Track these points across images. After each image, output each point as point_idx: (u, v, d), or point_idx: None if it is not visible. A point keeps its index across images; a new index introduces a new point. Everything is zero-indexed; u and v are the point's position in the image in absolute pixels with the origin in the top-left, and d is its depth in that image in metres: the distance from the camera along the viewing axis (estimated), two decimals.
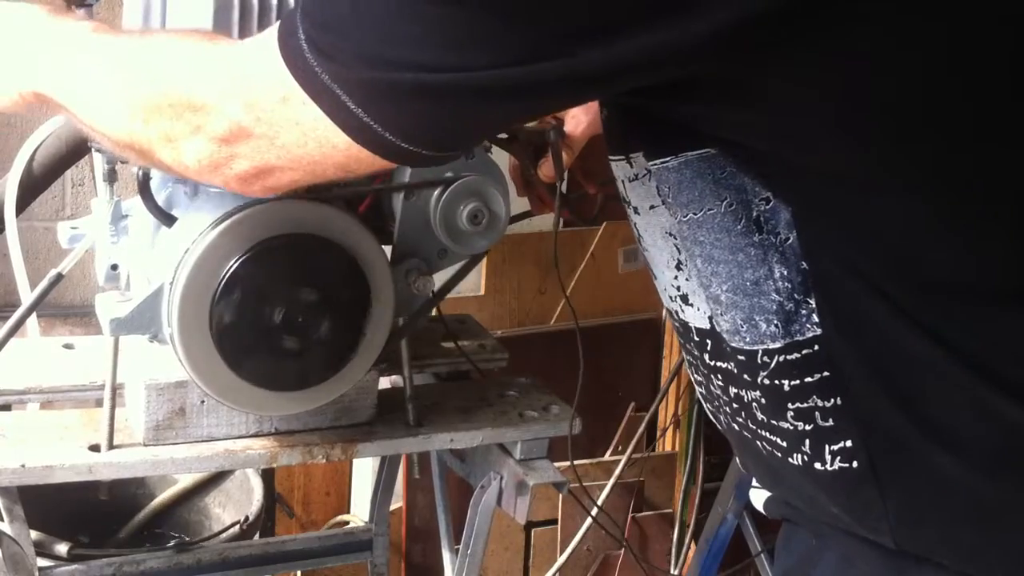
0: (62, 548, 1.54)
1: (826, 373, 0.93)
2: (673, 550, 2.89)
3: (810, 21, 0.77)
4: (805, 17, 0.77)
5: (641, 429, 2.76)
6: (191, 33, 0.99)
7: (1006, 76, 0.83)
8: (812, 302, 0.91)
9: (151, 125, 0.94)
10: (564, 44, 0.78)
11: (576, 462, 1.54)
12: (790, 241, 0.90)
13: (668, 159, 0.92)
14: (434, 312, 1.44)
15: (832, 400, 0.93)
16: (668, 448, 2.92)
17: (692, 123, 0.88)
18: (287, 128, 0.88)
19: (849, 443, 0.94)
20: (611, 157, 1.01)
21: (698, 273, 0.96)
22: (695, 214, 0.93)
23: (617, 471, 2.72)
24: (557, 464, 1.40)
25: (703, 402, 1.10)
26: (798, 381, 0.94)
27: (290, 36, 0.86)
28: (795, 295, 0.91)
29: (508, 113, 0.90)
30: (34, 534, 1.41)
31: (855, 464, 0.94)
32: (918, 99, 0.82)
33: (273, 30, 0.88)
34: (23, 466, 1.19)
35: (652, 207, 0.98)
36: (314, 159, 0.89)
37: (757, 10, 0.76)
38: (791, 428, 0.96)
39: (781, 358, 0.94)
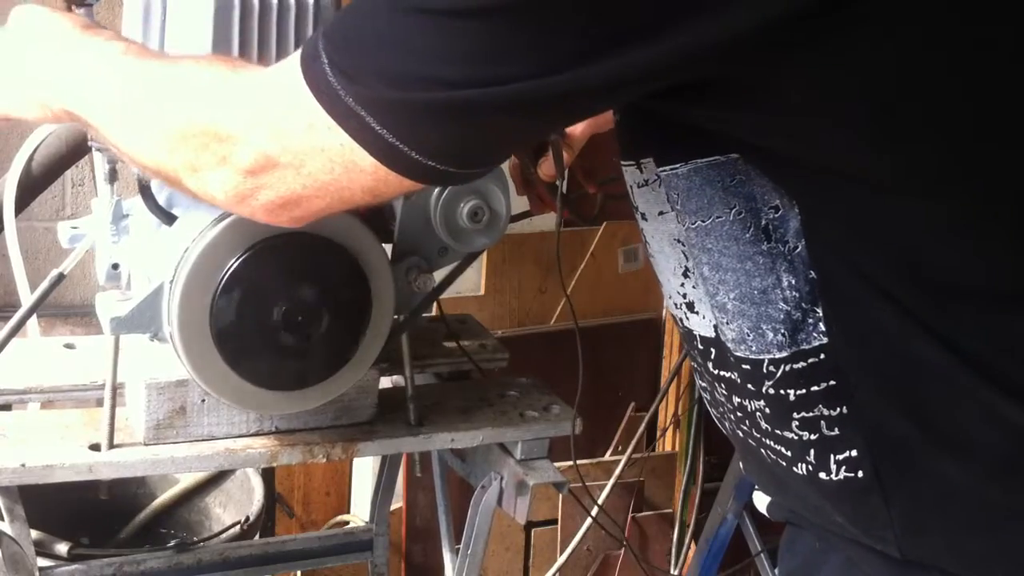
0: (62, 548, 1.54)
1: (832, 382, 0.93)
2: (673, 550, 2.89)
3: (818, 22, 0.77)
4: (814, 18, 0.77)
5: (641, 429, 2.76)
6: (215, 60, 0.99)
7: (1006, 76, 0.83)
8: (819, 311, 0.91)
9: (176, 155, 0.93)
10: (591, 52, 0.78)
11: (576, 462, 1.54)
12: (798, 250, 0.90)
13: (678, 165, 0.92)
14: (435, 312, 1.44)
15: (838, 409, 0.93)
16: (668, 448, 2.92)
17: (703, 126, 0.88)
18: (313, 155, 0.87)
19: (854, 452, 0.93)
20: (622, 162, 1.00)
21: (704, 281, 0.96)
22: (703, 221, 0.93)
23: (617, 471, 2.72)
24: (558, 464, 1.40)
25: (708, 407, 1.10)
26: (804, 390, 0.94)
27: (313, 60, 0.85)
28: (803, 304, 0.91)
29: (535, 125, 0.89)
30: (34, 534, 1.41)
31: (860, 474, 0.94)
32: (918, 99, 0.82)
33: (296, 56, 0.88)
34: (23, 465, 1.18)
35: (661, 213, 0.98)
36: (341, 185, 0.88)
37: (777, 12, 0.76)
38: (796, 438, 0.96)
39: (787, 367, 0.94)
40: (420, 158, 0.85)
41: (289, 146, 0.88)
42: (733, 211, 0.91)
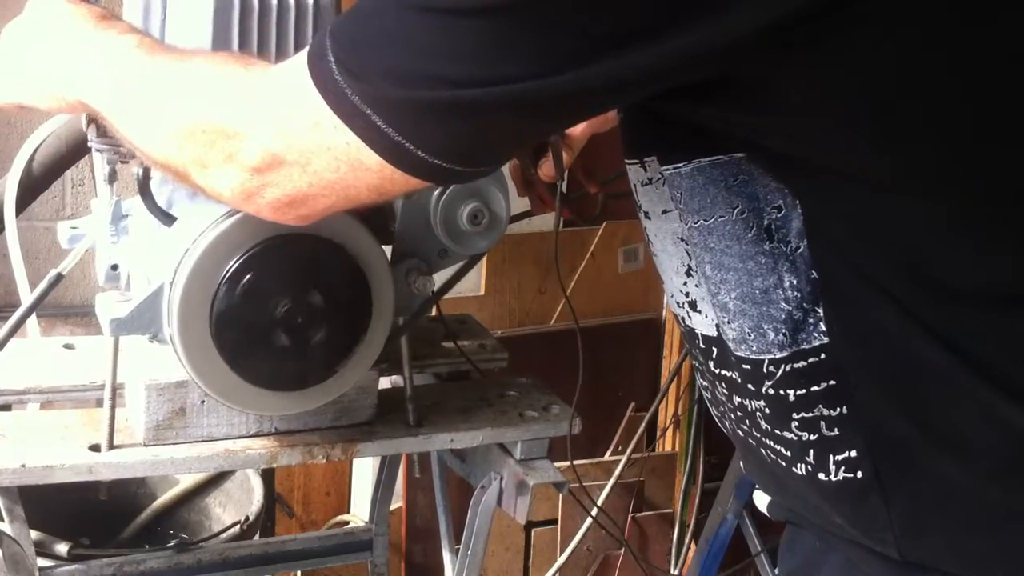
0: (62, 548, 1.54)
1: (832, 382, 0.93)
2: (673, 550, 2.89)
3: (818, 23, 0.77)
4: (815, 19, 0.77)
5: (641, 429, 2.76)
6: (227, 57, 0.99)
7: (1006, 76, 0.83)
8: (820, 311, 0.91)
9: (185, 151, 0.94)
10: (591, 52, 0.78)
11: (576, 462, 1.54)
12: (800, 250, 0.90)
13: (681, 164, 0.92)
14: (434, 312, 1.44)
15: (838, 409, 0.93)
16: (668, 448, 2.92)
17: (706, 125, 0.88)
18: (318, 154, 0.88)
19: (854, 453, 0.93)
20: (626, 160, 1.01)
21: (707, 280, 0.96)
22: (706, 220, 0.93)
23: (617, 471, 2.72)
24: (557, 464, 1.40)
25: (709, 406, 1.10)
26: (804, 390, 0.94)
27: (320, 59, 0.86)
28: (804, 304, 0.91)
29: (539, 124, 0.90)
30: (34, 534, 1.41)
31: (859, 474, 0.94)
32: (918, 99, 0.82)
33: (303, 54, 0.88)
34: (23, 466, 1.18)
35: (664, 212, 0.98)
36: (347, 183, 0.89)
37: (779, 13, 0.76)
38: (795, 438, 0.96)
39: (787, 367, 0.94)
40: (426, 156, 0.85)
41: (295, 144, 0.88)
42: (736, 211, 0.91)
